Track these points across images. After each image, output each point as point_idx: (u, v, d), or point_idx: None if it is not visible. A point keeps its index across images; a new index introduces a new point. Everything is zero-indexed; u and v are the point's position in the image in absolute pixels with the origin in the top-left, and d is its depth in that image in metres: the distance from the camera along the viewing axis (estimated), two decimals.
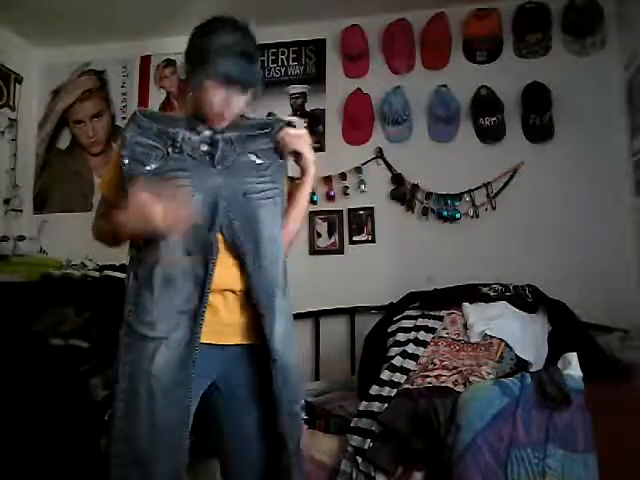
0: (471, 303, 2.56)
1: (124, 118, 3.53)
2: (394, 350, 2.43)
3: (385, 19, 3.26)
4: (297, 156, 1.63)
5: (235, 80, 1.50)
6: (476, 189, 3.08)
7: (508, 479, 1.78)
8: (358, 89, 3.28)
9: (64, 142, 3.65)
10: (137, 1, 3.16)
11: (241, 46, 1.51)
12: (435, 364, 2.27)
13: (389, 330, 2.60)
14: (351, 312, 3.10)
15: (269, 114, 3.26)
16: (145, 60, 3.60)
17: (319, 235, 3.25)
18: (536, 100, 3.03)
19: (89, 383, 2.60)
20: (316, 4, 3.15)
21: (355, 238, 3.22)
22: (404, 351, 2.39)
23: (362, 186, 3.21)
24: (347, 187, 3.22)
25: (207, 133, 1.54)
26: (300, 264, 2.74)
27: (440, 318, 2.54)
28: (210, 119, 1.55)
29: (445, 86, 3.18)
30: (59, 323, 2.81)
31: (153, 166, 1.49)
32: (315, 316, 3.12)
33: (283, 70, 3.42)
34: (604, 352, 2.39)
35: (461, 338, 2.42)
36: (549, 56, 3.10)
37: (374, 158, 3.23)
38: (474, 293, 2.61)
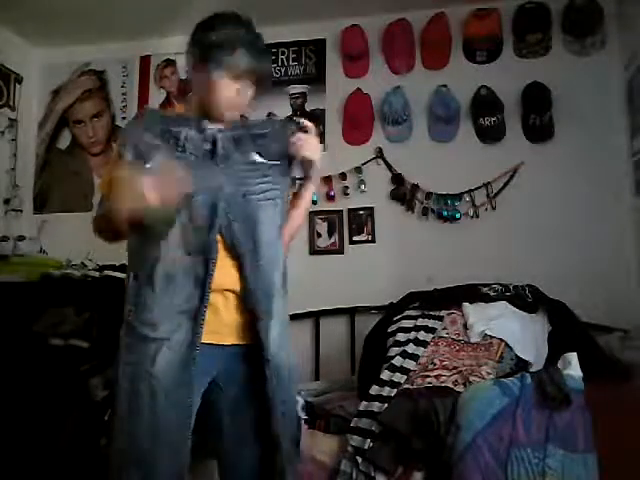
0: (471, 303, 2.56)
1: (124, 118, 3.53)
2: (394, 350, 2.43)
3: (385, 19, 3.26)
4: (307, 162, 1.63)
5: (248, 72, 1.52)
6: (476, 189, 3.08)
7: (508, 479, 1.78)
8: (358, 89, 3.28)
9: (64, 142, 3.65)
10: (137, 1, 3.16)
11: (250, 38, 1.53)
12: (435, 364, 2.27)
13: (389, 330, 2.60)
14: (351, 312, 3.10)
15: (269, 114, 3.27)
16: (145, 60, 3.60)
17: (319, 235, 3.25)
18: (536, 100, 3.03)
19: (89, 383, 2.60)
20: (316, 4, 3.16)
21: (355, 238, 3.22)
22: (404, 351, 2.39)
23: (362, 186, 3.21)
24: (347, 187, 3.22)
25: (210, 132, 1.54)
26: (300, 264, 2.73)
27: (440, 318, 2.54)
28: (219, 114, 1.55)
29: (445, 86, 3.18)
30: (59, 323, 2.81)
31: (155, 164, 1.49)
32: (315, 316, 3.12)
33: (283, 70, 3.42)
34: (604, 352, 2.38)
35: (461, 338, 2.42)
36: (549, 56, 3.10)
37: (374, 158, 3.23)
38: (474, 293, 2.61)
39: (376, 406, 2.14)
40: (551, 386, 1.93)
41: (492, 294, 2.59)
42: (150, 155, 1.47)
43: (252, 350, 1.53)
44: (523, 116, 3.07)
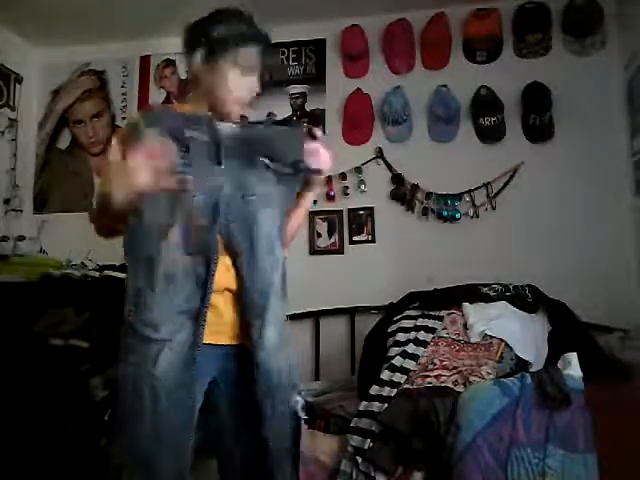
0: (471, 303, 2.56)
1: (124, 118, 3.53)
2: (394, 350, 2.43)
3: (385, 19, 3.26)
4: (317, 171, 1.61)
5: (258, 66, 1.54)
6: (476, 189, 3.08)
7: (508, 479, 1.78)
8: (358, 89, 3.28)
9: (64, 142, 3.65)
10: (137, 1, 3.16)
11: (259, 33, 1.55)
12: (435, 364, 2.27)
13: (389, 330, 2.60)
14: (351, 312, 3.10)
15: (269, 114, 3.27)
16: (145, 60, 3.60)
17: (319, 235, 3.25)
18: (536, 100, 3.03)
19: (89, 383, 2.59)
20: (316, 4, 3.15)
21: (355, 238, 3.22)
22: (404, 351, 2.39)
23: (362, 186, 3.21)
24: (347, 187, 3.22)
25: (220, 132, 1.53)
26: (300, 264, 2.74)
27: (440, 318, 2.54)
28: (227, 109, 1.56)
29: (445, 86, 3.18)
30: (59, 323, 2.81)
31: None
32: (315, 316, 3.12)
33: (283, 70, 3.42)
34: (604, 352, 2.39)
35: (461, 338, 2.42)
36: (549, 56, 3.10)
37: (374, 158, 3.23)
38: (474, 293, 2.61)
39: (376, 406, 2.14)
40: (551, 386, 1.93)
41: (492, 294, 2.60)
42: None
43: (247, 350, 1.53)
44: (523, 116, 3.07)
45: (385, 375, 2.28)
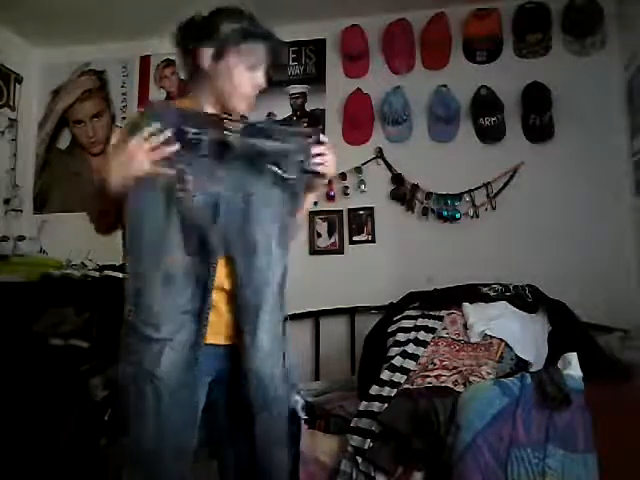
0: (471, 303, 2.56)
1: (124, 118, 3.53)
2: (394, 350, 2.43)
3: (385, 19, 3.26)
4: (320, 175, 1.61)
5: (266, 61, 1.56)
6: (476, 189, 3.09)
7: (508, 479, 1.78)
8: (358, 89, 3.28)
9: (64, 142, 3.65)
10: (137, 1, 3.16)
11: (261, 27, 1.57)
12: (435, 364, 2.27)
13: (389, 330, 2.60)
14: (351, 312, 3.10)
15: (269, 114, 3.27)
16: (145, 60, 3.60)
17: (319, 235, 3.25)
18: (536, 100, 3.03)
19: (89, 383, 2.59)
20: (316, 4, 3.15)
21: (355, 238, 3.22)
22: (404, 351, 2.39)
23: (362, 186, 3.21)
24: (347, 187, 3.22)
25: (218, 131, 1.52)
26: (300, 264, 2.73)
27: (440, 318, 2.54)
28: (233, 105, 1.57)
29: (445, 86, 3.18)
30: (59, 323, 2.81)
31: None
32: (315, 316, 3.12)
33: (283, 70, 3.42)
34: (604, 352, 2.38)
35: (461, 338, 2.42)
36: (549, 56, 3.10)
37: (374, 158, 3.23)
38: (474, 293, 2.61)
39: (376, 406, 2.14)
40: (551, 386, 1.93)
41: (492, 294, 2.59)
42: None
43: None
44: (523, 116, 3.07)
45: (385, 375, 2.28)
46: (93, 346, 2.74)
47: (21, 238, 3.29)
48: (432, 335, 2.46)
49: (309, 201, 1.70)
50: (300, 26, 3.30)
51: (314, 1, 3.14)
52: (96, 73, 3.65)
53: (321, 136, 1.61)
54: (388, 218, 3.19)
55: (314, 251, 3.23)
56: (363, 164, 3.22)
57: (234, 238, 1.49)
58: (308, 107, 3.38)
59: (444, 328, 2.49)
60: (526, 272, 2.75)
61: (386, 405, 2.09)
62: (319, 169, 1.57)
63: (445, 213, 3.09)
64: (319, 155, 1.57)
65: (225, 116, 1.55)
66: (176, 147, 1.43)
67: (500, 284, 2.64)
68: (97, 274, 2.96)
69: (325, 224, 3.24)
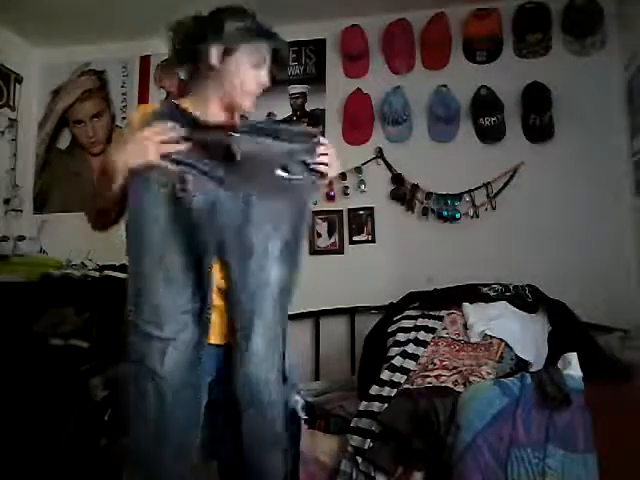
0: (471, 303, 2.56)
1: (124, 118, 3.53)
2: (394, 350, 2.43)
3: (385, 19, 3.26)
4: (323, 176, 1.61)
5: (266, 58, 1.57)
6: (476, 189, 3.08)
7: (508, 479, 1.78)
8: (358, 89, 3.28)
9: (64, 142, 3.65)
10: (137, 1, 3.16)
11: (264, 26, 1.58)
12: (435, 364, 2.27)
13: (389, 330, 2.60)
14: (351, 312, 3.10)
15: (269, 114, 3.27)
16: (145, 60, 3.60)
17: (319, 235, 3.25)
18: (536, 100, 3.03)
19: (89, 383, 2.59)
20: (316, 4, 3.15)
21: (355, 238, 3.22)
22: (404, 351, 2.39)
23: (362, 186, 3.21)
24: (347, 187, 3.22)
25: (223, 132, 1.52)
26: None
27: (440, 318, 2.54)
28: (239, 103, 1.57)
29: (445, 86, 3.18)
30: (59, 323, 2.81)
31: None
32: (315, 316, 3.12)
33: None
34: (604, 352, 2.38)
35: (461, 338, 2.42)
36: (549, 56, 3.10)
37: (374, 158, 3.23)
38: (474, 293, 2.61)
39: (376, 406, 2.14)
40: (551, 386, 1.93)
41: (492, 294, 2.59)
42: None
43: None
44: (523, 116, 3.07)
45: (385, 375, 2.28)
46: (93, 346, 2.74)
47: (21, 238, 3.29)
48: (432, 335, 2.46)
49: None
50: (300, 26, 3.30)
51: (314, 1, 3.14)
52: (96, 73, 3.65)
53: (322, 141, 1.60)
54: (388, 218, 3.19)
55: (314, 251, 3.23)
56: (363, 164, 3.22)
57: (231, 239, 1.49)
58: (308, 107, 3.38)
59: (444, 328, 2.49)
60: (526, 272, 2.75)
61: (386, 405, 2.09)
62: (322, 169, 1.57)
63: (445, 213, 3.09)
64: (323, 155, 1.57)
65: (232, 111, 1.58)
66: (184, 146, 1.43)
67: (500, 284, 2.64)
68: (97, 274, 2.96)
69: (325, 224, 3.24)
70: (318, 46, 3.42)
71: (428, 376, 2.18)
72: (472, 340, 2.39)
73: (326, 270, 3.16)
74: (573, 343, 2.27)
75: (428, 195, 3.13)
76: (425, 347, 2.40)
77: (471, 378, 2.11)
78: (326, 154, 1.58)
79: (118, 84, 3.62)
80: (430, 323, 2.52)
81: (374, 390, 2.23)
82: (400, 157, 3.20)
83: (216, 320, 1.48)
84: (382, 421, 2.03)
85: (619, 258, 2.87)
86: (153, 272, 1.44)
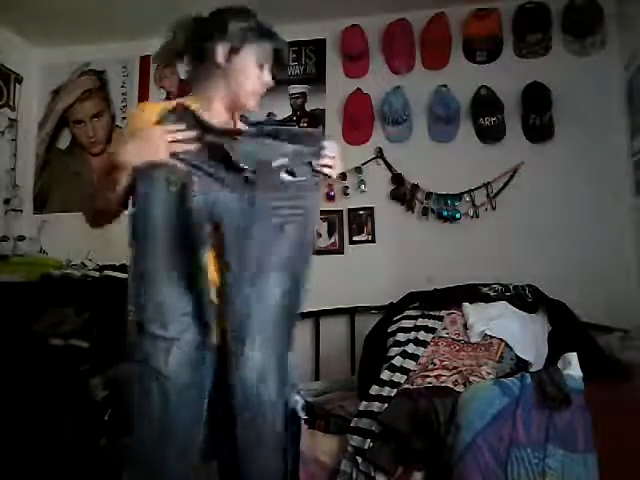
0: (471, 303, 2.56)
1: (124, 118, 3.53)
2: (394, 350, 2.43)
3: (385, 19, 3.26)
4: (326, 176, 1.60)
5: (270, 58, 1.58)
6: (476, 189, 3.08)
7: (508, 479, 1.78)
8: (358, 89, 3.28)
9: (64, 142, 3.65)
10: (137, 1, 3.16)
11: (268, 26, 1.59)
12: (435, 364, 2.27)
13: (389, 330, 2.60)
14: (351, 312, 3.10)
15: (269, 114, 3.27)
16: (145, 60, 3.59)
17: (319, 235, 3.24)
18: (536, 100, 3.03)
19: (89, 383, 2.60)
20: (316, 4, 3.15)
21: (355, 238, 3.22)
22: (404, 351, 2.39)
23: (362, 186, 3.21)
24: (347, 187, 3.22)
25: (230, 137, 1.51)
26: None
27: (440, 318, 2.54)
28: (241, 102, 1.58)
29: (445, 86, 3.18)
30: (59, 323, 2.81)
31: None
32: (315, 316, 3.12)
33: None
34: (604, 352, 2.38)
35: (461, 338, 2.42)
36: (549, 56, 3.10)
37: (374, 158, 3.23)
38: (474, 293, 2.61)
39: (376, 406, 2.14)
40: (551, 386, 1.93)
41: (492, 294, 2.59)
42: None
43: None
44: (523, 116, 3.07)
45: (385, 375, 2.28)
46: (93, 346, 2.74)
47: (21, 238, 3.29)
48: (432, 335, 2.46)
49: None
50: (300, 26, 3.30)
51: (314, 1, 3.14)
52: (96, 73, 3.65)
53: (327, 142, 1.60)
54: (388, 218, 3.19)
55: (314, 251, 3.22)
56: (363, 164, 3.21)
57: (232, 239, 1.48)
58: (308, 107, 3.38)
59: (444, 328, 2.49)
60: (526, 272, 2.75)
61: (386, 405, 2.09)
62: (327, 171, 1.57)
63: (445, 213, 3.09)
64: (329, 158, 1.56)
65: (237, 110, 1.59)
66: (194, 147, 1.43)
67: (500, 284, 2.64)
68: (97, 274, 2.96)
69: (325, 224, 3.24)
70: (318, 46, 3.42)
71: (428, 376, 2.19)
72: (472, 340, 2.39)
73: (326, 270, 3.13)
74: (573, 343, 2.27)
75: (428, 195, 3.13)
76: (425, 347, 2.40)
77: (471, 378, 2.11)
78: (333, 157, 1.57)
79: (118, 84, 3.62)
80: (430, 323, 2.52)
81: (374, 390, 2.23)
82: (400, 157, 3.20)
83: (218, 320, 1.47)
84: (382, 421, 2.03)
85: (619, 258, 2.87)
86: (157, 271, 1.44)
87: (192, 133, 1.45)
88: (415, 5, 3.19)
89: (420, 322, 2.54)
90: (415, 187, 3.15)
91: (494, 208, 3.06)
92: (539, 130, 3.04)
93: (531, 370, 2.22)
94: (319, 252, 3.21)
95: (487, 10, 3.18)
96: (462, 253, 3.01)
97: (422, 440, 1.93)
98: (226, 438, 1.54)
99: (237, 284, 1.47)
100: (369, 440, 2.03)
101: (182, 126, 1.46)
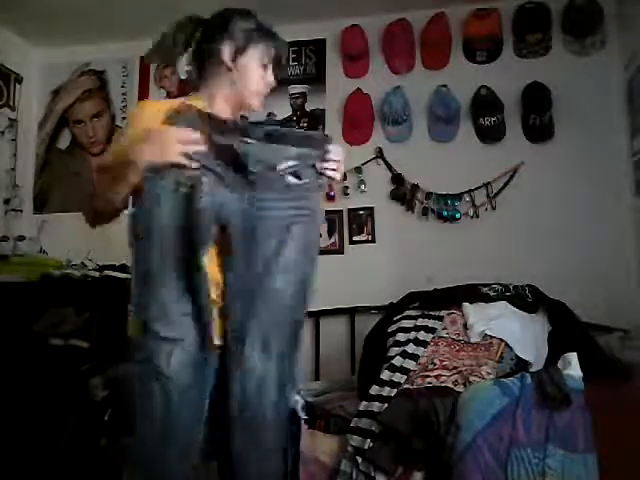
0: (471, 303, 2.56)
1: (124, 118, 3.53)
2: (394, 350, 2.43)
3: (385, 19, 3.26)
4: (330, 178, 1.59)
5: (273, 58, 1.59)
6: (476, 189, 3.09)
7: (508, 479, 1.78)
8: (358, 89, 3.28)
9: (64, 142, 3.65)
10: (137, 1, 3.16)
11: (270, 27, 1.60)
12: (435, 364, 2.27)
13: (389, 330, 2.60)
14: (351, 312, 3.10)
15: (269, 114, 3.27)
16: None
17: (319, 235, 3.24)
18: (536, 100, 3.03)
19: (89, 383, 2.60)
20: (316, 4, 3.16)
21: (355, 238, 3.22)
22: (404, 351, 2.39)
23: (362, 186, 3.21)
24: (347, 187, 3.21)
25: (237, 138, 1.51)
26: None
27: (440, 318, 2.54)
28: (245, 102, 1.59)
29: (445, 86, 3.18)
30: (59, 323, 2.81)
31: None
32: (315, 316, 3.11)
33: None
34: (604, 352, 2.38)
35: (461, 338, 2.42)
36: (549, 56, 3.10)
37: (374, 158, 3.23)
38: (474, 293, 2.61)
39: (376, 406, 2.14)
40: (551, 386, 1.93)
41: (492, 294, 2.59)
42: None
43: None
44: (523, 116, 3.07)
45: (385, 375, 2.28)
46: (93, 346, 2.74)
47: (21, 238, 3.29)
48: (432, 335, 2.46)
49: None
50: (300, 26, 3.30)
51: (314, 1, 3.14)
52: (96, 73, 3.65)
53: (332, 147, 1.60)
54: (388, 218, 3.19)
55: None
56: (363, 164, 3.21)
57: (237, 240, 1.48)
58: (308, 107, 3.38)
59: (444, 328, 2.49)
60: (526, 272, 2.75)
61: (386, 405, 2.09)
62: (330, 174, 1.57)
63: (445, 213, 3.09)
64: (334, 161, 1.56)
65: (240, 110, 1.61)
66: (204, 148, 1.43)
67: (500, 284, 2.64)
68: (97, 274, 2.96)
69: (325, 224, 3.24)
70: (318, 46, 3.42)
71: (428, 376, 2.19)
72: (472, 340, 2.39)
73: (326, 270, 3.11)
74: (573, 343, 2.27)
75: (428, 195, 3.13)
76: (425, 347, 2.40)
77: (471, 378, 2.11)
78: (338, 160, 1.57)
79: (118, 84, 3.62)
80: (430, 323, 2.52)
81: (374, 390, 2.23)
82: (400, 157, 3.20)
83: (219, 321, 1.47)
84: (382, 421, 2.03)
85: (619, 258, 2.87)
86: (161, 271, 1.44)
87: (201, 134, 1.44)
88: (415, 5, 3.19)
89: (420, 322, 2.54)
90: (415, 187, 3.15)
91: (494, 208, 3.06)
92: (539, 130, 3.04)
93: (531, 370, 2.22)
94: (319, 252, 3.22)
95: (487, 10, 3.18)
96: (462, 253, 3.01)
97: (422, 440, 1.93)
98: (226, 438, 1.54)
99: (241, 284, 1.47)
100: (369, 440, 2.03)
101: (193, 127, 1.45)
